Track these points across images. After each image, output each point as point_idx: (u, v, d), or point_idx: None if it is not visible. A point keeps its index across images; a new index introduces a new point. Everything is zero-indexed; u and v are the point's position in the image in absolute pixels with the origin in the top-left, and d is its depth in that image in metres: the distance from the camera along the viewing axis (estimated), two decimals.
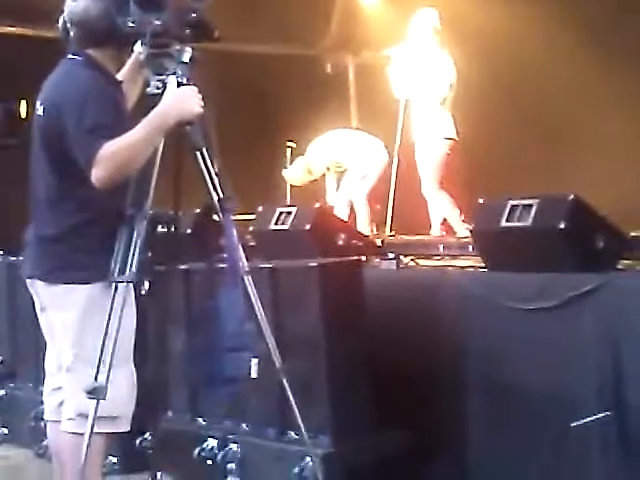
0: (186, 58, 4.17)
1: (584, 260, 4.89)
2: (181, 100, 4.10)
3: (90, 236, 4.06)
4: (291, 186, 9.47)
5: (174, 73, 4.13)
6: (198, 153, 4.26)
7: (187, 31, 4.19)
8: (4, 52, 10.00)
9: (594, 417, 4.59)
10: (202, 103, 4.12)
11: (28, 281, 4.27)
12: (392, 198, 8.68)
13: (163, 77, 4.15)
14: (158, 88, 4.14)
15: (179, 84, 4.12)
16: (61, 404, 4.22)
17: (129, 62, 4.31)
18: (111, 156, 3.90)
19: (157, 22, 4.07)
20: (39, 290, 4.22)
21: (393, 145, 8.85)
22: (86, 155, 3.92)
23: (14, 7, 9.97)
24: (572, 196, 4.97)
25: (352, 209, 9.01)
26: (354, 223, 8.69)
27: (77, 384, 4.04)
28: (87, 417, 3.99)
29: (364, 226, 8.73)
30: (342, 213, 8.75)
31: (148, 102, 4.16)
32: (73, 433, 4.09)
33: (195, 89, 4.13)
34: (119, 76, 4.27)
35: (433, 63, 8.39)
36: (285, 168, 9.49)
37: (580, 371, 4.77)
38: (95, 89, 4.04)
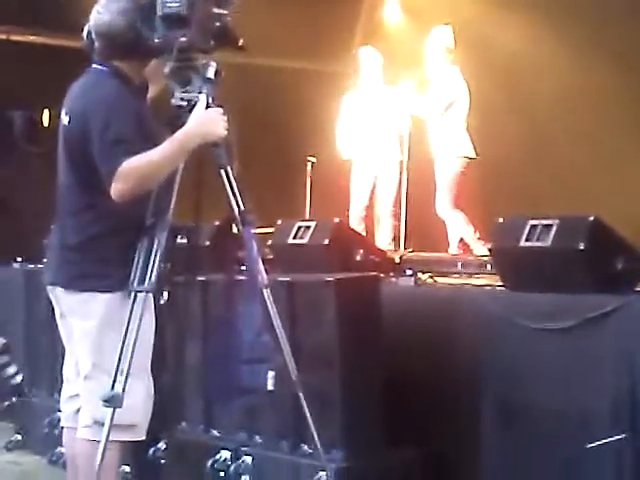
0: (211, 73, 4.20)
1: (603, 281, 4.88)
2: (207, 123, 4.14)
3: (111, 245, 4.09)
4: (310, 200, 9.47)
5: (200, 92, 4.15)
6: (222, 171, 4.28)
7: (212, 42, 4.22)
8: (27, 61, 10.07)
9: (610, 439, 4.57)
10: (227, 125, 4.15)
11: (49, 288, 4.30)
12: (404, 214, 8.67)
13: (187, 89, 4.17)
14: (182, 100, 4.17)
15: (207, 105, 4.14)
16: (78, 411, 4.23)
17: (152, 63, 4.33)
18: (132, 172, 3.94)
19: (183, 38, 4.09)
20: (60, 297, 4.24)
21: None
22: (107, 168, 3.96)
23: (37, 16, 10.04)
24: (592, 217, 4.96)
25: (372, 222, 9.00)
26: (373, 238, 8.70)
27: (94, 392, 4.05)
28: (103, 425, 4.00)
29: (386, 242, 8.72)
30: (360, 227, 8.76)
31: (172, 112, 4.19)
32: (89, 440, 4.11)
33: (220, 110, 4.17)
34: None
35: (447, 81, 8.42)
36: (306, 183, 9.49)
37: (596, 393, 4.75)
38: (120, 101, 4.07)
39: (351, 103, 9.07)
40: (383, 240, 8.76)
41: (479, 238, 7.98)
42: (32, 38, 10.68)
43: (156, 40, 4.10)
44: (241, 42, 4.32)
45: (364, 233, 8.57)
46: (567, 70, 9.67)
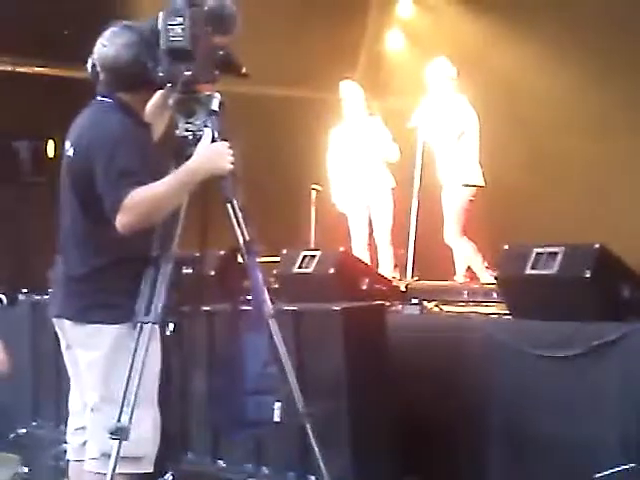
0: (215, 105, 4.20)
1: (609, 309, 4.88)
2: (213, 157, 4.14)
3: (116, 277, 4.08)
4: (315, 230, 9.47)
5: (206, 125, 4.16)
6: (228, 204, 4.29)
7: (216, 72, 4.23)
8: (32, 92, 10.12)
9: (617, 469, 4.54)
10: (232, 159, 4.15)
11: (54, 320, 4.29)
12: (413, 242, 8.66)
13: (192, 121, 4.18)
14: (187, 130, 4.18)
15: (213, 139, 4.15)
16: (84, 444, 4.21)
17: (155, 98, 4.34)
18: (137, 205, 3.94)
19: (187, 72, 4.10)
20: (66, 329, 4.23)
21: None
22: (112, 201, 3.96)
23: (43, 47, 10.09)
24: (598, 245, 4.97)
25: (376, 252, 9.01)
26: (377, 266, 8.70)
27: (101, 424, 4.04)
28: (110, 457, 3.99)
29: (388, 270, 8.72)
30: (365, 256, 8.76)
31: (177, 143, 4.20)
32: (96, 473, 4.08)
33: (226, 145, 4.17)
34: (146, 111, 4.31)
35: (456, 111, 8.44)
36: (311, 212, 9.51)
37: (604, 421, 4.74)
38: (125, 134, 4.07)
39: (338, 136, 9.14)
40: (385, 268, 8.76)
41: (487, 267, 7.97)
42: (37, 69, 10.73)
43: (160, 74, 4.11)
44: (244, 70, 4.33)
45: (369, 262, 8.57)
46: (576, 96, 9.69)
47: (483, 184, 8.42)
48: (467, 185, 8.37)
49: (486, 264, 8.07)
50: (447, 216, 8.46)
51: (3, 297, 6.07)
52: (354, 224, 9.04)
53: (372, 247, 9.00)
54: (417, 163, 8.71)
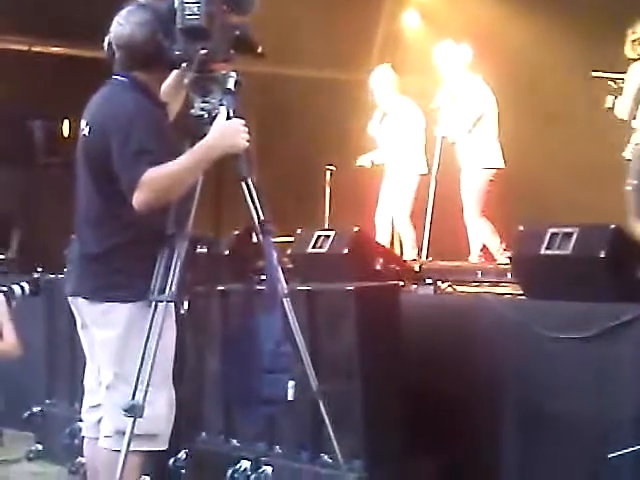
0: (231, 84, 4.20)
1: (624, 290, 4.86)
2: (228, 135, 4.14)
3: (132, 256, 4.09)
4: (330, 209, 9.48)
5: (222, 103, 4.16)
6: (243, 183, 4.29)
7: (232, 51, 4.23)
8: (47, 72, 10.12)
9: (630, 449, 4.54)
10: (248, 137, 4.15)
11: (70, 298, 4.31)
12: (429, 224, 8.66)
13: (208, 100, 4.18)
14: (202, 110, 4.18)
15: (228, 116, 4.15)
16: (99, 421, 4.24)
17: (171, 78, 4.35)
18: (153, 183, 3.95)
19: (203, 51, 4.10)
20: (81, 307, 4.25)
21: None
22: (129, 179, 3.97)
23: (58, 27, 10.09)
24: (613, 225, 4.95)
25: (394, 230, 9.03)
26: (398, 245, 8.72)
27: (116, 402, 4.05)
28: (125, 434, 4.01)
29: (409, 249, 8.73)
30: (385, 234, 8.79)
31: (192, 122, 4.20)
32: (111, 450, 4.11)
33: (241, 122, 4.17)
34: (162, 91, 4.31)
35: (472, 95, 8.43)
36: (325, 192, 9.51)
37: (617, 401, 4.73)
38: (141, 113, 4.07)
39: (377, 118, 9.12)
40: (406, 250, 8.78)
41: (505, 249, 7.95)
42: (53, 49, 10.74)
43: (176, 52, 4.11)
44: (260, 49, 4.33)
45: (390, 239, 8.59)
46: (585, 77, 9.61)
47: (503, 166, 8.41)
48: (487, 168, 8.35)
49: (504, 246, 8.05)
50: (466, 198, 8.45)
51: (26, 285, 6.09)
52: (382, 200, 9.05)
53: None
54: (437, 145, 8.72)
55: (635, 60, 7.43)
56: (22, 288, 6.07)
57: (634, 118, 7.36)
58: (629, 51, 7.47)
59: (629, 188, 7.45)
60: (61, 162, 9.43)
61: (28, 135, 10.32)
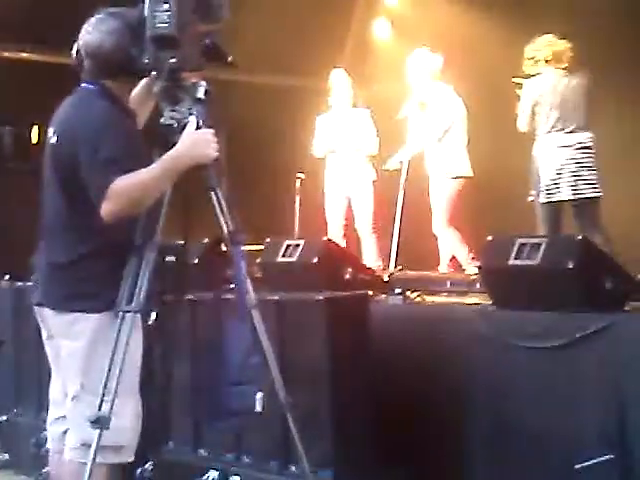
0: (201, 93, 4.18)
1: (591, 300, 4.88)
2: (197, 145, 4.11)
3: (99, 265, 4.07)
4: (300, 218, 9.47)
5: (191, 113, 4.14)
6: (212, 193, 4.27)
7: (201, 60, 4.21)
8: (16, 77, 10.05)
9: (598, 459, 4.56)
10: (217, 146, 4.13)
11: (36, 308, 4.27)
12: (397, 233, 8.66)
13: (177, 109, 4.16)
14: (172, 119, 4.16)
15: (198, 126, 4.13)
16: (65, 433, 4.21)
17: (139, 85, 4.33)
18: (122, 192, 3.92)
19: (173, 60, 4.08)
20: (47, 318, 4.21)
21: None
22: (97, 188, 3.94)
23: (28, 32, 10.03)
24: (580, 236, 4.99)
25: (351, 242, 9.02)
26: (361, 255, 8.71)
27: (82, 413, 4.03)
28: (91, 446, 3.97)
29: (371, 260, 8.72)
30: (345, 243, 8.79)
31: (161, 132, 4.18)
32: (77, 462, 4.07)
33: (211, 131, 4.15)
34: (130, 99, 4.29)
35: (442, 105, 8.43)
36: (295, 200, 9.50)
37: (584, 412, 4.75)
38: (110, 121, 4.05)
39: (323, 123, 9.17)
40: (369, 259, 8.76)
41: (473, 258, 7.97)
42: (22, 54, 10.67)
43: (146, 61, 4.09)
44: (230, 58, 4.31)
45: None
46: None
47: (471, 174, 8.42)
48: (455, 177, 8.36)
49: (472, 256, 8.06)
50: (435, 207, 8.45)
51: None
52: (330, 213, 9.09)
53: (347, 237, 9.01)
54: (405, 154, 8.72)
55: (533, 76, 7.62)
56: None
57: (534, 130, 7.59)
58: (528, 68, 7.72)
59: (530, 199, 7.57)
60: (30, 168, 9.34)
61: None
